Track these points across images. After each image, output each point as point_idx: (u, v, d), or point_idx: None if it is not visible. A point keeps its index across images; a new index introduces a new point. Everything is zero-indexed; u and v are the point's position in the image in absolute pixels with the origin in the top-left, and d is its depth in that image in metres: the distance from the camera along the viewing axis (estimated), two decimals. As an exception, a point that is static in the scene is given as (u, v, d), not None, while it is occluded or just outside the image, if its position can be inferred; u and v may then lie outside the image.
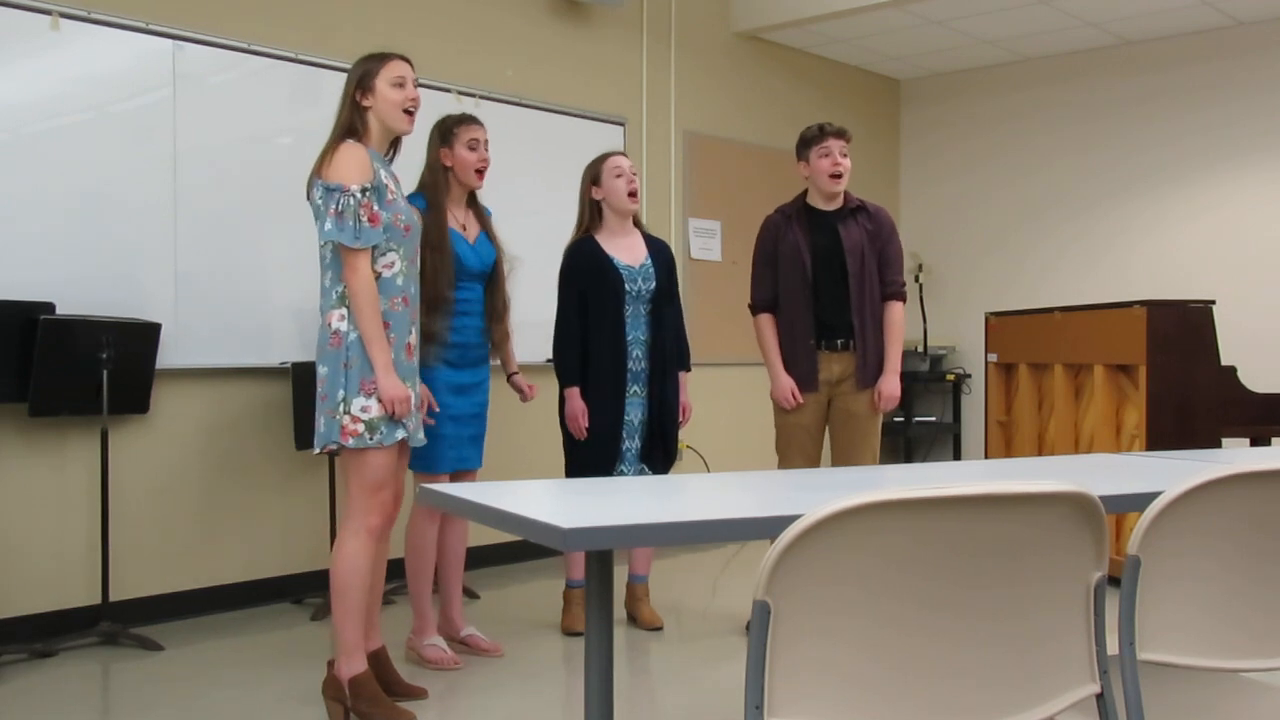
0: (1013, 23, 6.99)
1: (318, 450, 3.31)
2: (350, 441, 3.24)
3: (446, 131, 3.96)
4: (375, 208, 3.25)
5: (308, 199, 3.35)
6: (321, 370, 3.30)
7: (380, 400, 3.23)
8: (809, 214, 4.44)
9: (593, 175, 4.34)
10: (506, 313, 4.09)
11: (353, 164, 3.24)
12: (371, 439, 3.25)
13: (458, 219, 3.97)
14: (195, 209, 4.64)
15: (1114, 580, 1.56)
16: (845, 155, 4.39)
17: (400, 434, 3.31)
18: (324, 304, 3.32)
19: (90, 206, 4.37)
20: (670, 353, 4.37)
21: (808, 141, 4.42)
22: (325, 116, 3.48)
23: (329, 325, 3.28)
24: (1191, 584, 1.69)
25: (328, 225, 3.21)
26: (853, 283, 4.35)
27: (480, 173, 3.98)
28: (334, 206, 3.20)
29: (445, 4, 5.58)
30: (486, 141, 3.99)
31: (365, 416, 3.24)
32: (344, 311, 3.26)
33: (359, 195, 3.21)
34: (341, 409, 3.24)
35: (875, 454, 4.48)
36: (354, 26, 5.14)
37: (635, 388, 4.28)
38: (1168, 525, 1.65)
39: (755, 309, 4.52)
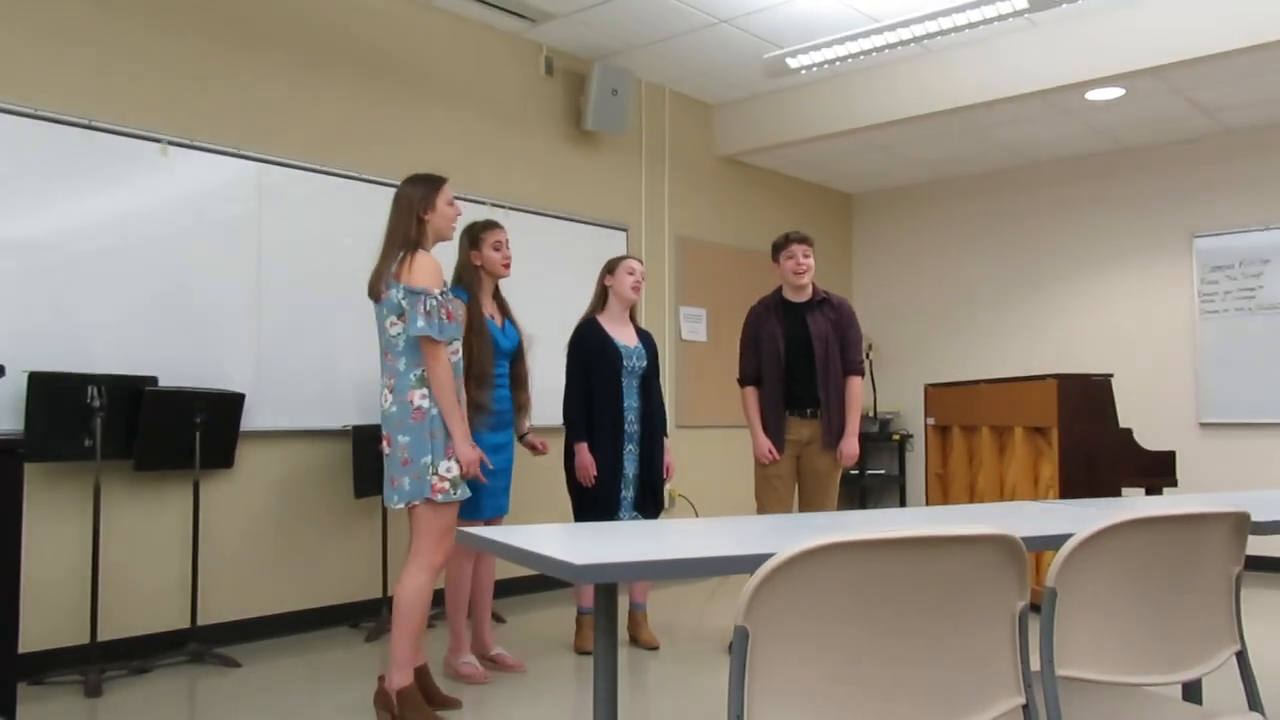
0: (942, 149, 7.09)
1: (401, 505, 3.29)
2: (439, 497, 3.27)
3: (475, 237, 3.99)
4: (450, 306, 3.29)
5: (371, 295, 3.36)
6: (402, 439, 3.28)
7: (460, 462, 3.27)
8: (783, 306, 4.49)
9: (609, 268, 4.40)
10: (527, 382, 4.12)
11: (433, 271, 3.29)
12: (455, 494, 3.29)
13: (487, 309, 3.99)
14: (274, 298, 4.67)
15: (1035, 608, 1.54)
16: (808, 256, 4.45)
17: (467, 491, 3.34)
18: (400, 383, 3.29)
19: (189, 297, 4.40)
20: (657, 419, 4.38)
21: (778, 247, 4.50)
22: (381, 224, 3.48)
23: (411, 402, 3.27)
24: (1100, 611, 1.67)
25: (420, 323, 3.21)
26: (818, 363, 4.39)
27: (506, 266, 4.02)
28: (423, 307, 3.22)
29: (481, 132, 5.66)
30: (508, 240, 4.03)
31: (450, 476, 3.28)
32: (425, 391, 3.27)
33: (439, 297, 3.25)
34: (430, 470, 3.26)
35: (835, 502, 4.49)
36: (406, 151, 5.21)
37: (630, 446, 4.28)
38: (1079, 561, 1.64)
39: (742, 383, 4.55)
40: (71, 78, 4.12)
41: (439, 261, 3.33)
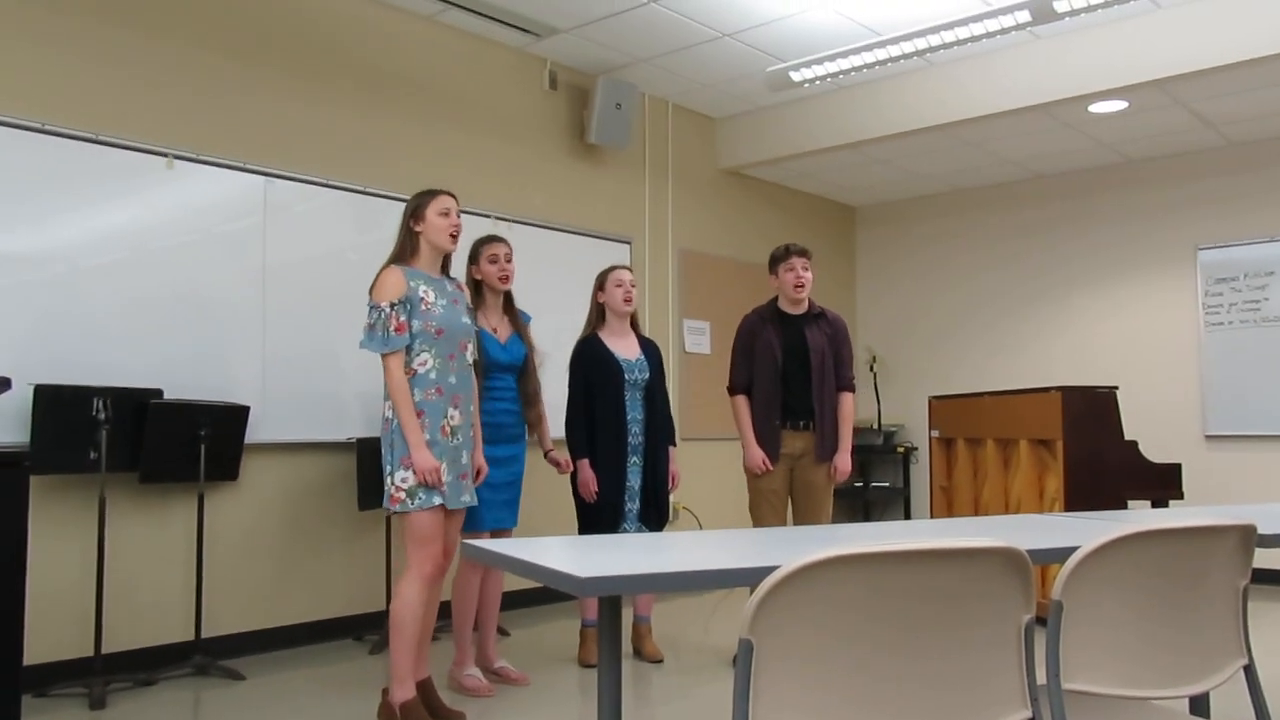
0: (944, 161, 7.09)
1: (389, 513, 3.37)
2: (395, 507, 3.29)
3: (474, 253, 4.02)
4: (403, 318, 3.30)
5: None
6: (383, 450, 3.36)
7: (414, 471, 3.25)
8: (780, 317, 4.47)
9: (600, 283, 4.39)
10: (538, 398, 4.09)
11: (386, 285, 3.33)
12: (412, 504, 3.28)
13: (490, 322, 3.98)
14: (279, 312, 4.67)
15: (1041, 621, 1.54)
16: (807, 269, 4.43)
17: (437, 499, 3.31)
18: (385, 396, 3.37)
19: (194, 309, 4.41)
20: (661, 430, 4.37)
21: (776, 259, 4.47)
22: (386, 238, 3.54)
23: (384, 415, 3.36)
24: (1106, 624, 1.67)
25: (362, 336, 3.31)
26: (814, 376, 4.37)
27: (504, 279, 4.00)
28: (369, 320, 3.31)
29: (486, 147, 5.68)
30: (507, 254, 4.01)
31: (405, 486, 3.29)
32: (391, 402, 3.31)
33: (388, 310, 3.28)
34: (389, 481, 3.29)
35: (829, 516, 4.47)
36: (411, 165, 5.22)
37: (634, 459, 4.28)
38: (1085, 574, 1.63)
39: (732, 391, 4.52)
40: (78, 92, 4.14)
41: (401, 275, 3.35)
